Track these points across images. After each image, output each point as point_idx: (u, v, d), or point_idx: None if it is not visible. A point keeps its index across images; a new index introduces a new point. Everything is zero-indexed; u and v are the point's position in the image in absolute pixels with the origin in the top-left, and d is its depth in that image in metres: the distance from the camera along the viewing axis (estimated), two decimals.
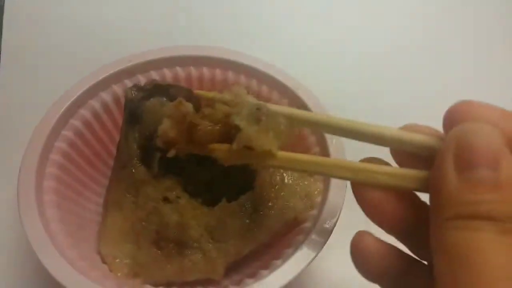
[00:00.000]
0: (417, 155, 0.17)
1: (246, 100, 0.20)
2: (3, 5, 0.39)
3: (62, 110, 0.26)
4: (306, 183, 0.26)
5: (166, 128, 0.20)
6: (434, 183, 0.15)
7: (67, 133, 0.26)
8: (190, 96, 0.25)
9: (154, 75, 0.29)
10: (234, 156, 0.20)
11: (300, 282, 0.29)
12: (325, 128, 0.20)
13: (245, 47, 0.30)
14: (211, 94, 0.24)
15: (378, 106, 0.37)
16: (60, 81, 0.27)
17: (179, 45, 0.29)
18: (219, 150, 0.20)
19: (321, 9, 0.45)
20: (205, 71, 0.29)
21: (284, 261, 0.22)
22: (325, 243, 0.23)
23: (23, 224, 0.21)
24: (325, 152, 0.26)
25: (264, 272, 0.22)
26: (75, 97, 0.26)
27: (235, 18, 0.42)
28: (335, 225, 0.23)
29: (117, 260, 0.24)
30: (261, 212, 0.25)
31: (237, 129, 0.19)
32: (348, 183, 0.19)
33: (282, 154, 0.20)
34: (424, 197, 0.17)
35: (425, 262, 0.18)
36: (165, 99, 0.25)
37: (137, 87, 0.26)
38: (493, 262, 0.12)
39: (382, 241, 0.18)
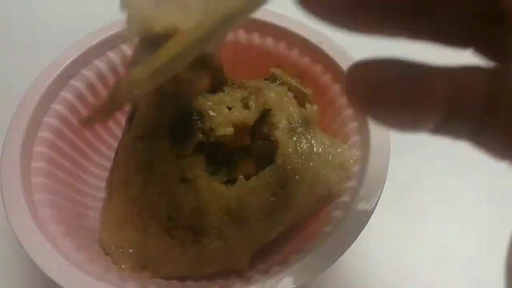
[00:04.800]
0: None
1: None
2: None
3: (50, 80, 0.23)
4: (339, 150, 0.22)
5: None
6: None
7: (57, 106, 0.23)
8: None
9: None
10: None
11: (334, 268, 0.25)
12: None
13: None
14: None
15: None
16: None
17: None
18: None
19: None
20: None
21: (320, 243, 0.19)
22: (368, 219, 0.19)
23: (6, 210, 0.18)
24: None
25: (297, 257, 0.19)
26: (64, 66, 0.23)
27: None
28: (379, 197, 0.19)
29: (121, 251, 0.21)
30: (288, 188, 0.21)
31: None
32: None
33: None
34: None
35: None
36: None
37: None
38: None
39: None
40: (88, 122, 0.17)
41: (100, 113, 0.16)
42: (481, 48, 0.13)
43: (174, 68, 0.14)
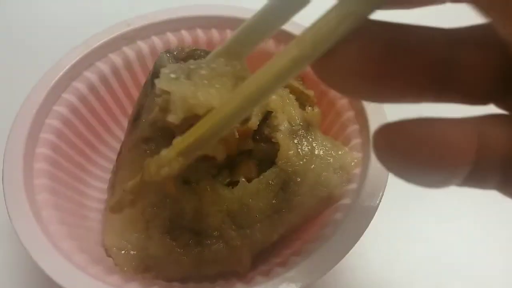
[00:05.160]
0: None
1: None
2: None
3: (53, 82, 0.22)
4: (340, 153, 0.22)
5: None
6: None
7: (59, 108, 0.23)
8: None
9: (157, 41, 0.25)
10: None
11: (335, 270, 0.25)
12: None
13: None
14: None
15: None
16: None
17: (185, 6, 0.25)
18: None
19: None
20: (215, 33, 0.26)
21: (321, 245, 0.19)
22: (369, 221, 0.19)
23: (9, 211, 0.18)
24: (361, 115, 0.22)
25: (297, 259, 0.19)
26: (67, 68, 0.23)
27: None
28: (380, 200, 0.19)
29: (124, 252, 0.20)
30: (289, 190, 0.21)
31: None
32: None
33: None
34: None
35: None
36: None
37: (171, 54, 0.22)
38: None
39: None
40: (117, 207, 0.17)
41: (130, 195, 0.16)
42: (500, 102, 0.13)
43: (204, 146, 0.15)
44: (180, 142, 0.15)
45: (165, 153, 0.15)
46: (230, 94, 0.16)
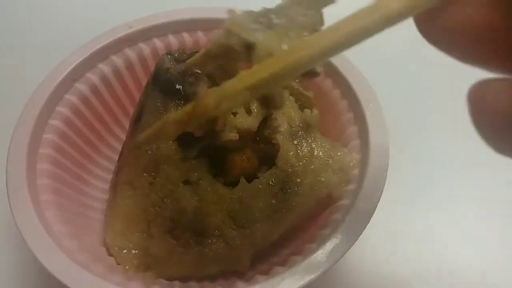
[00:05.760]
0: None
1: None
2: None
3: (56, 84, 0.23)
4: (339, 153, 0.22)
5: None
6: None
7: (62, 109, 0.23)
8: None
9: (158, 43, 0.25)
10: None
11: (334, 269, 0.25)
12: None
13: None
14: None
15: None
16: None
17: (186, 8, 0.26)
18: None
19: None
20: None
21: (320, 244, 0.19)
22: (367, 222, 0.19)
23: (12, 210, 0.18)
24: (360, 116, 0.22)
25: (297, 258, 0.19)
26: (69, 69, 0.23)
27: None
28: (378, 200, 0.20)
29: (125, 251, 0.21)
30: (289, 190, 0.21)
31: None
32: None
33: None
34: None
35: None
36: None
37: (173, 56, 0.22)
38: None
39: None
40: (150, 140, 0.16)
41: (174, 125, 0.15)
42: None
43: (275, 84, 0.13)
44: (248, 75, 0.13)
45: (229, 85, 0.14)
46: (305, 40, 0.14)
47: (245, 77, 0.14)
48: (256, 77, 0.13)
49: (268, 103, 0.16)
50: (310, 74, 0.15)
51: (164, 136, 0.16)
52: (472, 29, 0.11)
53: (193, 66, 0.19)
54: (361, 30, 0.12)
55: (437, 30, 0.11)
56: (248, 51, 0.15)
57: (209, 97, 0.14)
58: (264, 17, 0.15)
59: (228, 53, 0.16)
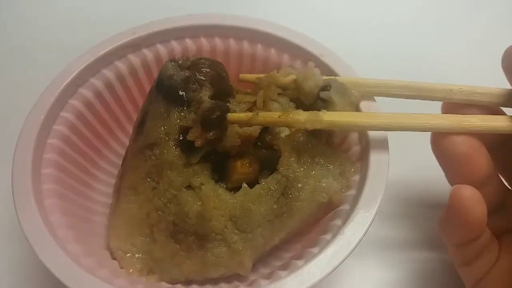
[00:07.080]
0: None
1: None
2: None
3: (60, 89, 0.23)
4: (340, 160, 0.22)
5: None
6: None
7: (66, 114, 0.23)
8: (222, 77, 0.23)
9: (162, 49, 0.26)
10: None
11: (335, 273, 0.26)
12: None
13: (257, 12, 0.26)
14: (253, 77, 0.24)
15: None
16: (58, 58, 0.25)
17: (189, 14, 0.26)
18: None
19: None
20: (218, 42, 0.26)
21: (322, 249, 0.19)
22: (368, 227, 0.20)
23: (18, 215, 0.19)
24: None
25: (299, 262, 0.19)
26: (74, 75, 0.23)
27: None
28: (379, 206, 0.20)
29: (129, 255, 0.21)
30: (290, 195, 0.22)
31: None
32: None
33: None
34: None
35: None
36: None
37: (177, 63, 0.23)
38: None
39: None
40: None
41: (259, 120, 0.20)
42: None
43: (344, 128, 0.22)
44: (333, 115, 0.21)
45: (316, 114, 0.20)
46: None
47: (331, 115, 0.21)
48: (338, 118, 0.21)
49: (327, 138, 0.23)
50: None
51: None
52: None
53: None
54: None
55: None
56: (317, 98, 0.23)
57: (301, 115, 0.21)
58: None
59: (298, 90, 0.23)
